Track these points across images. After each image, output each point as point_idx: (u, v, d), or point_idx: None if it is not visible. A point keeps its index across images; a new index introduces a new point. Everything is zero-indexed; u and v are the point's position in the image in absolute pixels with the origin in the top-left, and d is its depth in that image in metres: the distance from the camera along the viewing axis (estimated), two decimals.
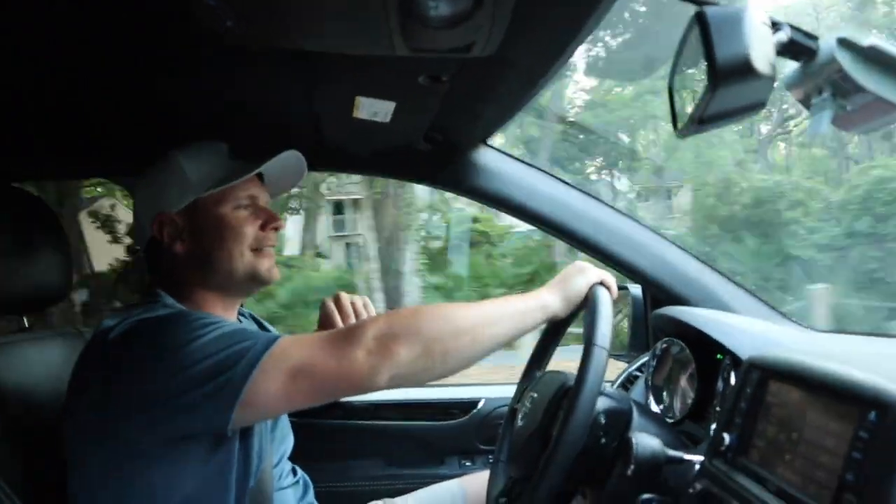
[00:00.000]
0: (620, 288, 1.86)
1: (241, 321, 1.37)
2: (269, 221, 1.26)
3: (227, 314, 1.26)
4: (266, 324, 1.49)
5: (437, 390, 2.05)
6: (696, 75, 0.85)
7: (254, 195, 1.26)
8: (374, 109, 1.28)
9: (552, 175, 1.66)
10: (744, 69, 0.66)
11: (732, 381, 1.15)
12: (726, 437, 0.99)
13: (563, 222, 1.63)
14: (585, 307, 1.17)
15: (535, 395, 1.23)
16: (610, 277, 1.23)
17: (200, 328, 1.02)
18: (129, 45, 1.03)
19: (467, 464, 1.95)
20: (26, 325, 1.41)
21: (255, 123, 1.43)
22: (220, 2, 0.84)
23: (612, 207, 1.67)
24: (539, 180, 1.64)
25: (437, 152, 1.56)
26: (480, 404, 1.92)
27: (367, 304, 1.47)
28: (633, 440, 1.01)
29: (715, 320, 1.36)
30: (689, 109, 0.83)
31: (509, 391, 1.93)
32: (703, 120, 0.78)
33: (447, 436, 1.95)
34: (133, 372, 1.01)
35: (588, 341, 1.06)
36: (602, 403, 1.08)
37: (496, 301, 1.16)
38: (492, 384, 2.05)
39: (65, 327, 1.49)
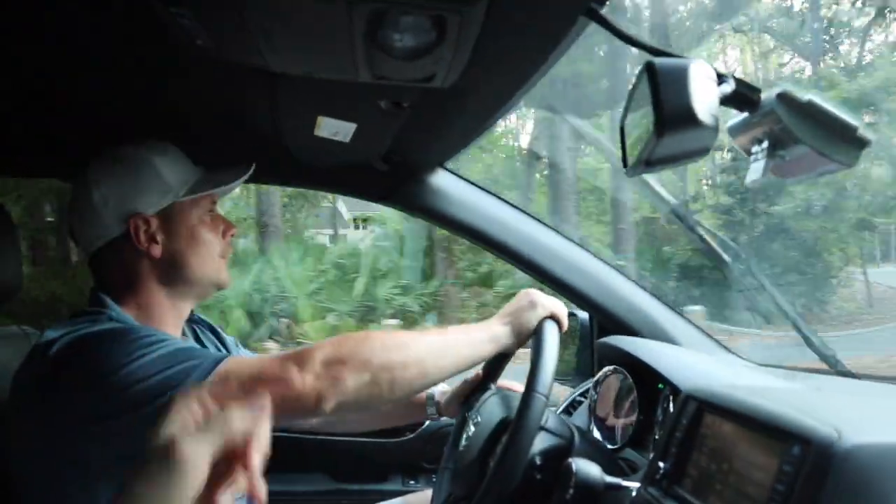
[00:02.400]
0: (569, 314, 1.91)
1: (195, 328, 1.36)
2: (228, 229, 1.29)
3: (178, 320, 1.26)
4: (220, 330, 1.47)
5: None
6: (645, 119, 0.89)
7: (215, 202, 1.28)
8: (335, 129, 1.29)
9: (505, 200, 1.69)
10: (688, 119, 0.70)
11: (670, 411, 1.19)
12: (662, 465, 1.02)
13: (515, 247, 1.66)
14: (533, 344, 1.18)
15: (480, 418, 1.25)
16: (562, 309, 1.23)
17: (145, 346, 1.00)
18: (95, 46, 1.03)
19: (411, 482, 1.95)
20: None
21: (218, 131, 1.43)
22: (193, 21, 0.85)
23: (563, 235, 1.71)
24: (492, 205, 1.67)
25: (394, 172, 1.58)
26: (426, 423, 1.92)
27: None
28: (573, 466, 1.04)
29: (657, 351, 1.40)
30: (638, 150, 0.87)
31: None
32: (649, 162, 0.81)
33: (392, 453, 1.94)
34: (72, 390, 0.99)
35: (529, 387, 1.07)
36: (539, 443, 1.11)
37: (447, 331, 1.16)
38: None
39: (9, 327, 1.45)
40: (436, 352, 1.10)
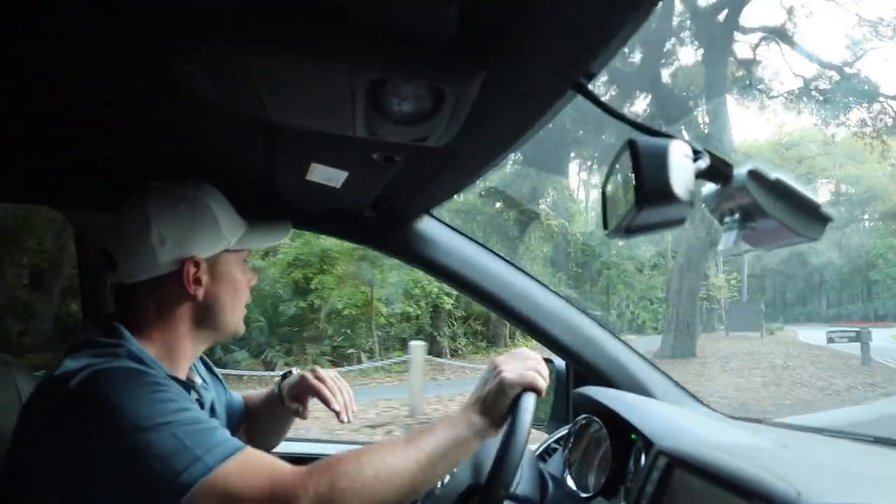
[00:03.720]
0: (546, 360, 1.94)
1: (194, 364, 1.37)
2: (252, 280, 1.33)
3: (191, 361, 1.28)
4: (214, 368, 1.49)
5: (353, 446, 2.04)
6: (625, 189, 0.94)
7: (248, 253, 1.34)
8: (327, 176, 1.33)
9: (488, 248, 1.74)
10: (666, 195, 0.75)
11: (642, 463, 1.23)
12: None
13: (495, 294, 1.70)
14: (504, 429, 1.11)
15: (448, 478, 1.26)
16: (534, 376, 1.13)
17: (161, 406, 1.00)
18: (99, 82, 1.04)
19: None
20: None
21: (215, 172, 1.43)
22: (200, 74, 0.88)
23: (542, 284, 1.75)
24: (475, 252, 1.71)
25: (382, 219, 1.62)
26: None
27: (340, 378, 1.49)
28: None
29: (631, 404, 1.44)
30: (619, 214, 0.92)
31: None
32: (628, 230, 0.86)
33: None
34: (86, 423, 0.99)
35: (492, 482, 1.04)
36: None
37: (432, 438, 1.09)
38: None
39: None
40: (426, 467, 1.06)
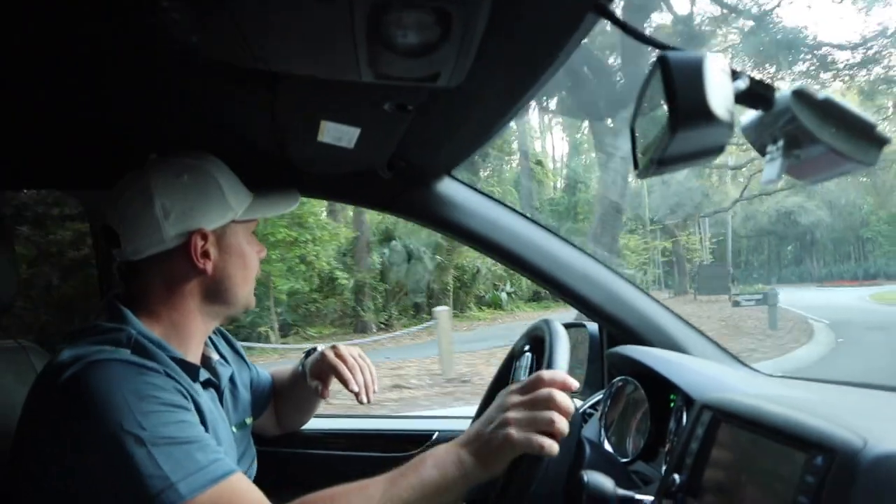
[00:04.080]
0: (577, 325, 1.88)
1: (212, 339, 1.34)
2: (260, 252, 1.29)
3: (203, 338, 1.25)
4: (235, 343, 1.45)
5: (389, 422, 2.01)
6: (657, 118, 0.86)
7: (256, 224, 1.29)
8: (338, 134, 1.27)
9: (513, 209, 1.67)
10: (703, 114, 0.67)
11: (684, 422, 1.16)
12: (676, 477, 0.99)
13: (523, 256, 1.63)
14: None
15: None
16: (552, 446, 0.97)
17: (146, 417, 0.95)
18: (93, 56, 1.01)
19: None
20: None
21: (222, 141, 1.39)
22: (187, 16, 0.83)
23: (571, 244, 1.68)
24: (500, 214, 1.64)
25: (399, 180, 1.56)
26: (433, 437, 1.88)
27: (363, 356, 1.44)
28: (585, 478, 1.01)
29: (669, 360, 1.37)
30: (650, 151, 0.85)
31: (463, 424, 1.90)
32: (662, 161, 0.78)
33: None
34: (70, 419, 0.96)
35: None
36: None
37: (414, 478, 1.01)
38: (445, 417, 2.02)
39: (5, 341, 1.41)
40: None
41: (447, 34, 0.79)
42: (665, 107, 0.73)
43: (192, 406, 1.05)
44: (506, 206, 1.67)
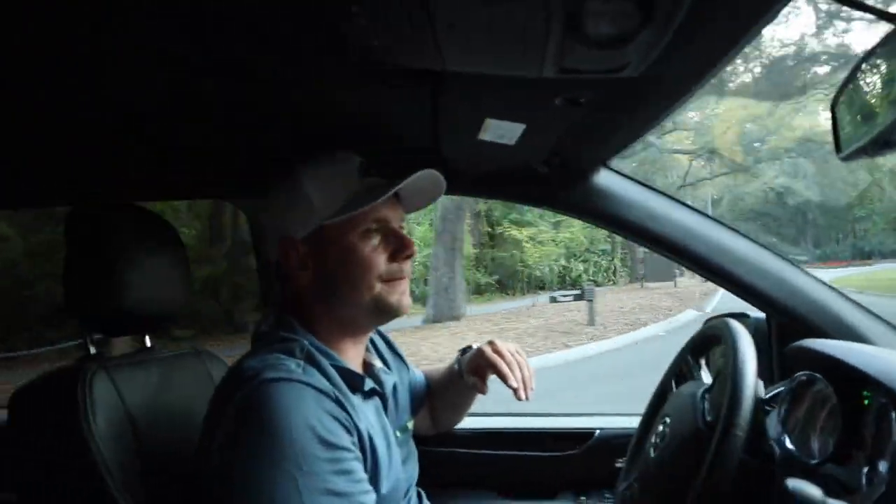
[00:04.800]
0: (742, 315, 1.77)
1: (373, 342, 1.35)
2: (401, 250, 1.17)
3: (356, 348, 1.22)
4: (396, 346, 1.46)
5: (550, 420, 1.98)
6: (872, 94, 0.79)
7: (384, 217, 1.16)
8: (500, 132, 1.25)
9: (672, 197, 1.60)
10: None
11: (893, 423, 1.06)
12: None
13: (685, 245, 1.57)
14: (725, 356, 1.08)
15: (668, 430, 1.17)
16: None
17: (302, 458, 0.95)
18: (262, 60, 1.00)
19: (582, 497, 1.84)
20: (148, 344, 1.40)
21: (377, 140, 1.39)
22: (372, 21, 0.82)
23: (735, 231, 1.59)
24: (658, 203, 1.59)
25: (555, 175, 1.53)
26: (595, 435, 1.84)
27: (520, 352, 1.42)
28: (790, 485, 0.95)
29: (863, 353, 1.26)
30: (855, 130, 0.78)
31: (625, 421, 1.85)
32: (888, 144, 0.72)
33: (560, 468, 1.87)
34: (239, 447, 0.98)
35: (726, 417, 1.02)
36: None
37: None
38: (607, 414, 1.96)
39: (182, 349, 1.47)
40: None
41: (647, 21, 0.74)
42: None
43: (356, 438, 1.04)
44: (663, 194, 1.60)
